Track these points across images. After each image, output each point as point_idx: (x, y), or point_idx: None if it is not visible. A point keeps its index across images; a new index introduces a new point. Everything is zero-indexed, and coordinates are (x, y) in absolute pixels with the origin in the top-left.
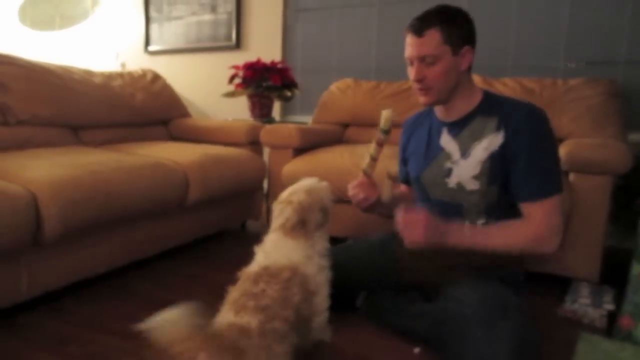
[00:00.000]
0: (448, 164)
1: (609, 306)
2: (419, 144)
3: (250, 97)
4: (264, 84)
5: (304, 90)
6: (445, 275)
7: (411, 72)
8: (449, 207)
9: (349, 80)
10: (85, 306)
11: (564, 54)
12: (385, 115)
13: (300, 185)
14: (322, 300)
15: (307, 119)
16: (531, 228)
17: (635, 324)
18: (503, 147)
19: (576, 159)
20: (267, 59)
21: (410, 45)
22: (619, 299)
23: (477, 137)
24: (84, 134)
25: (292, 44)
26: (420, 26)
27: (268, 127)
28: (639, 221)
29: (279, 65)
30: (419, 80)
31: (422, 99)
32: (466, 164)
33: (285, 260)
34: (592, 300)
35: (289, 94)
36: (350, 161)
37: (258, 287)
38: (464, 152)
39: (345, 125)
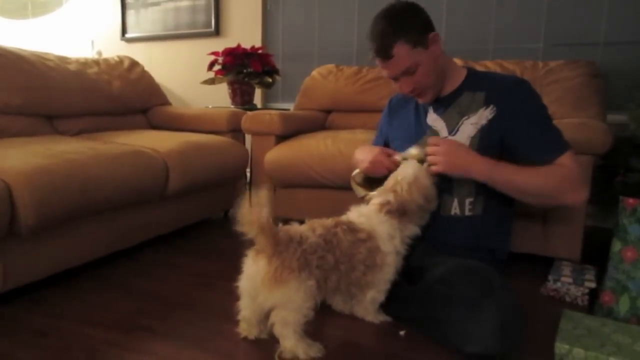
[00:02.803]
0: None
1: (591, 284)
2: (405, 125)
3: (231, 84)
4: (244, 70)
5: (286, 76)
6: (431, 258)
7: (399, 87)
8: (439, 185)
9: (330, 66)
10: (65, 298)
11: (544, 36)
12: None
13: (406, 173)
14: (382, 277)
15: (289, 106)
16: (565, 170)
17: (616, 299)
18: (492, 121)
19: None
20: (247, 45)
21: (385, 68)
22: (599, 278)
23: (464, 112)
24: (60, 123)
25: (273, 30)
26: (384, 49)
27: (249, 114)
28: (620, 200)
29: (260, 51)
30: (413, 90)
31: (422, 100)
32: (456, 139)
33: (369, 227)
34: (574, 278)
35: (270, 80)
36: (334, 147)
37: (334, 229)
38: (452, 129)
39: (328, 111)
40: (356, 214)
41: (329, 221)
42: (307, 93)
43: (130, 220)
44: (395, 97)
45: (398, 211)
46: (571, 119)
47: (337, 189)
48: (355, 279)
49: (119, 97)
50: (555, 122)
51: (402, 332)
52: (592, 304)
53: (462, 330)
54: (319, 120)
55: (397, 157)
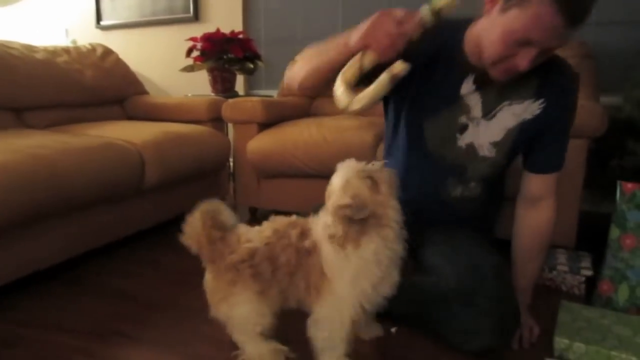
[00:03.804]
0: (463, 119)
1: (587, 272)
2: (433, 88)
3: (211, 71)
4: (224, 56)
5: (268, 62)
6: (421, 234)
7: (522, 56)
8: (449, 168)
9: None
10: (34, 303)
11: None
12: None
13: (337, 179)
14: (329, 312)
15: (273, 93)
16: (549, 212)
17: (615, 288)
18: (537, 118)
19: None
20: (226, 30)
21: (551, 29)
22: (596, 265)
23: (507, 96)
24: (28, 116)
25: (254, 14)
26: (582, 14)
27: (230, 101)
28: (618, 185)
29: (240, 36)
30: (528, 67)
31: (505, 77)
32: (488, 126)
33: (318, 238)
34: (570, 267)
35: (251, 66)
36: (318, 134)
37: (289, 230)
38: (488, 112)
39: (312, 98)
40: (318, 221)
41: (287, 221)
42: None
43: (105, 217)
44: (438, 33)
45: (346, 234)
46: None
47: (323, 178)
48: (301, 297)
49: (92, 87)
50: None
51: (393, 329)
52: (589, 293)
53: (458, 327)
54: (303, 107)
55: (422, 12)
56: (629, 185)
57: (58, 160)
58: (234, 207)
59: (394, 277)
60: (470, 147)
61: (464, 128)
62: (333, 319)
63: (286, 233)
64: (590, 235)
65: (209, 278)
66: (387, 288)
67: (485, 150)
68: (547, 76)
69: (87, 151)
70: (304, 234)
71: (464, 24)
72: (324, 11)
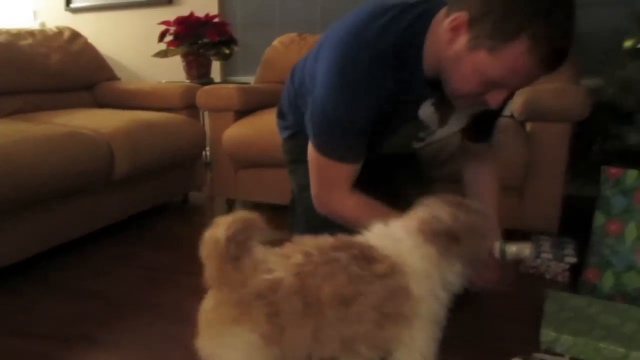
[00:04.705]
0: (421, 134)
1: (571, 259)
2: (399, 113)
3: (185, 56)
4: (199, 41)
5: (245, 47)
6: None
7: (492, 96)
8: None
9: (292, 35)
10: None
11: None
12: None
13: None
14: (414, 335)
15: (251, 80)
16: (494, 156)
17: (600, 276)
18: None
19: (536, 107)
20: (202, 14)
21: (528, 77)
22: (580, 251)
23: None
24: None
25: None
26: (562, 62)
27: (205, 88)
28: (602, 170)
29: (215, 20)
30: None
31: (461, 106)
32: (442, 131)
33: (395, 254)
34: (554, 254)
35: (227, 51)
36: None
37: (334, 253)
38: (444, 123)
39: None
40: (379, 236)
41: (325, 242)
42: (268, 65)
43: (72, 211)
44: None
45: (448, 235)
46: (546, 85)
47: None
48: (364, 334)
49: (58, 72)
50: (529, 88)
51: None
52: (574, 280)
53: None
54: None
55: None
56: (613, 170)
57: (14, 151)
58: (211, 199)
59: None
60: (425, 145)
61: (420, 139)
62: (419, 340)
63: (329, 257)
64: (574, 219)
65: (208, 305)
66: None
67: (440, 140)
68: None
69: (47, 141)
70: (365, 255)
71: (418, 25)
72: None
